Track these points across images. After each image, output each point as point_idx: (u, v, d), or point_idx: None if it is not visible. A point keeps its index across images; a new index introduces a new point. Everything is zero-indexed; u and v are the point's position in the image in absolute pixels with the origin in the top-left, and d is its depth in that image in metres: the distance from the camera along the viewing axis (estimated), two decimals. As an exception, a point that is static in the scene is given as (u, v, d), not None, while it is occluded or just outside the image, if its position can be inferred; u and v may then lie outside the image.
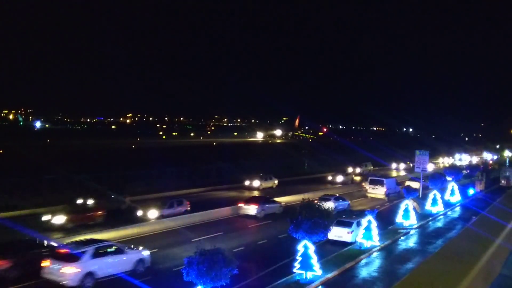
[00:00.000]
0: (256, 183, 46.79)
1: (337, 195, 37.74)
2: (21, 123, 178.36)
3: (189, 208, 32.18)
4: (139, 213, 30.32)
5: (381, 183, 44.25)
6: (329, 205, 34.52)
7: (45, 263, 18.07)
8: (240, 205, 33.17)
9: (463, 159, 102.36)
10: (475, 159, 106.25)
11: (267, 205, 33.26)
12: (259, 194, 43.16)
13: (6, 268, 18.24)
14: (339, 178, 54.63)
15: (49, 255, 18.52)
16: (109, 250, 19.32)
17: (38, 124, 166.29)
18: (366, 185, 45.83)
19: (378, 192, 43.77)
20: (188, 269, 13.27)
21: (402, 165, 77.79)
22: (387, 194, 43.82)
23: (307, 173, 62.49)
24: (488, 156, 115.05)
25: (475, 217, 31.78)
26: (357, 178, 60.11)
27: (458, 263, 17.85)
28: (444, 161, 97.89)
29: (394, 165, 77.39)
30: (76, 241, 20.57)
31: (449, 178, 44.72)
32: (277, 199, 35.75)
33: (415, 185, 39.65)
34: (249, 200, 33.90)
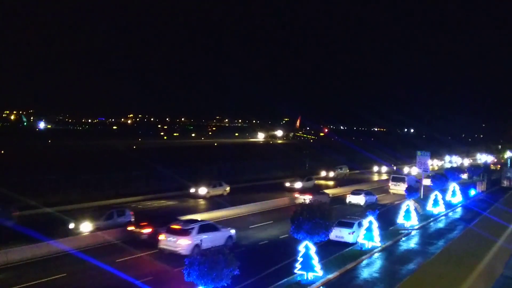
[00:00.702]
0: (203, 190, 41.33)
1: (367, 190, 44.51)
2: (25, 123, 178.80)
3: (133, 220, 27.82)
4: (71, 225, 25.90)
5: (402, 180, 48.13)
6: (360, 199, 40.04)
7: (161, 237, 22.95)
8: (296, 195, 39.91)
9: (453, 161, 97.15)
10: (467, 162, 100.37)
11: (318, 195, 37.07)
12: (206, 202, 39.07)
13: (151, 234, 24.06)
14: (298, 185, 47.87)
15: (164, 231, 23.14)
16: (209, 227, 24.10)
17: (41, 125, 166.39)
18: (389, 182, 50.83)
19: (400, 188, 46.04)
20: (189, 270, 13.27)
21: (384, 168, 73.81)
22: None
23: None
24: (483, 158, 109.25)
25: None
26: (328, 183, 56.45)
27: (460, 264, 17.85)
28: (433, 164, 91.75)
29: (375, 168, 73.36)
30: (184, 220, 25.35)
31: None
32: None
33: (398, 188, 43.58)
34: (303, 191, 42.31)
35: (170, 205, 37.97)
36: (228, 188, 43.86)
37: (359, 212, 34.58)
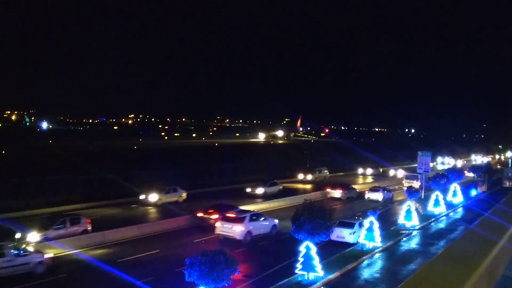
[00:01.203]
0: (153, 197, 36.98)
1: (384, 187, 46.65)
2: (28, 123, 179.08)
3: (89, 228, 26.12)
4: (17, 235, 22.63)
5: (416, 178, 50.29)
6: (378, 195, 42.58)
7: (218, 224, 26.25)
8: (328, 190, 45.15)
9: (446, 162, 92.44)
10: (460, 163, 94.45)
11: (347, 190, 44.89)
12: (157, 210, 35.42)
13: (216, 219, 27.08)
14: (259, 190, 42.96)
15: (220, 219, 26.59)
16: (258, 216, 27.66)
17: (44, 125, 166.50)
18: (403, 180, 53.51)
19: (414, 185, 45.46)
20: (190, 270, 13.23)
21: (369, 170, 68.53)
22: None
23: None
24: (478, 159, 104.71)
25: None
26: (305, 186, 52.74)
27: (461, 265, 17.77)
28: (449, 162, 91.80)
29: (360, 170, 68.48)
30: (237, 210, 28.18)
31: None
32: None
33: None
34: (335, 186, 46.11)
35: (109, 214, 33.40)
36: (184, 194, 39.49)
37: (379, 206, 37.76)
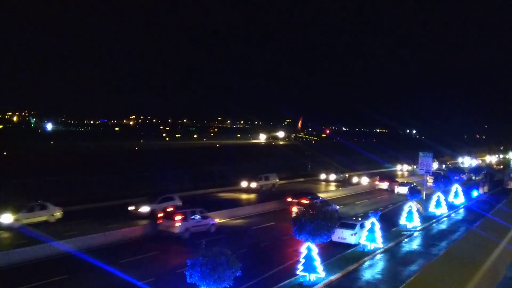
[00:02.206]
0: (7, 218, 28.11)
1: (411, 182, 48.10)
2: (32, 124, 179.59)
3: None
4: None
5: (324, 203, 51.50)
6: (404, 189, 42.49)
7: (294, 208, 28.81)
8: (376, 182, 52.84)
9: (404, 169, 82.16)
10: (441, 166, 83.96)
11: (393, 182, 50.60)
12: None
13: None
14: (144, 209, 32.07)
15: (293, 202, 34.44)
16: (326, 202, 33.37)
17: (49, 126, 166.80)
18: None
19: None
20: (191, 271, 13.22)
21: (332, 176, 59.35)
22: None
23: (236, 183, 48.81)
24: (466, 161, 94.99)
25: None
26: (249, 196, 44.42)
27: (463, 266, 17.80)
28: (403, 169, 79.81)
29: (323, 176, 59.93)
30: (311, 195, 36.47)
31: None
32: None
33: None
34: (382, 178, 53.23)
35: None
36: (58, 213, 30.61)
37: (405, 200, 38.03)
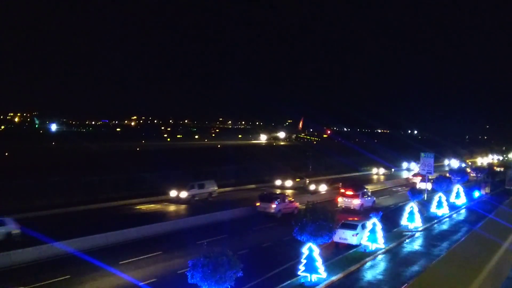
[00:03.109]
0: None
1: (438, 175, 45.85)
2: (37, 125, 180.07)
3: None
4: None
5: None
6: (429, 185, 44.60)
7: (339, 199, 38.99)
8: (411, 176, 58.27)
9: (412, 168, 77.36)
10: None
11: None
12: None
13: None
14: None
15: (340, 194, 39.29)
16: (366, 193, 40.02)
17: (54, 127, 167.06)
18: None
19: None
20: (192, 272, 13.21)
21: (289, 182, 51.79)
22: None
23: (238, 184, 48.50)
24: (453, 163, 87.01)
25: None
26: (178, 208, 36.96)
27: (466, 267, 17.77)
28: (379, 172, 71.78)
29: (278, 182, 52.26)
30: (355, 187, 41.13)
31: None
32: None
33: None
34: (416, 175, 55.93)
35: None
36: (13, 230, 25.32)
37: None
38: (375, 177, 68.89)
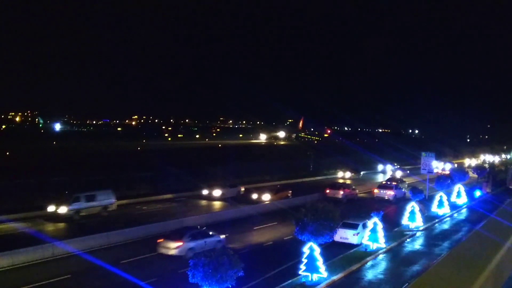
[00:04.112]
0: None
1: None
2: (41, 125, 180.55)
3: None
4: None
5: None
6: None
7: (376, 190, 44.68)
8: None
9: (387, 170, 72.32)
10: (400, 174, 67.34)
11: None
12: None
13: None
14: (217, 193, 41.76)
15: (377, 187, 45.39)
16: (398, 184, 46.33)
17: (57, 127, 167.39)
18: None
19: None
20: (193, 271, 13.21)
21: (217, 192, 41.45)
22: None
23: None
24: (440, 166, 74.91)
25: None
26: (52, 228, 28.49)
27: (468, 267, 17.74)
28: (345, 175, 64.69)
29: (205, 192, 42.06)
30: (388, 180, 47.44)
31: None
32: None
33: None
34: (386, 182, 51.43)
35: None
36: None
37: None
38: (341, 181, 56.95)
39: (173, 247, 22.24)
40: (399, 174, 65.25)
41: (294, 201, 38.79)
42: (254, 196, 40.47)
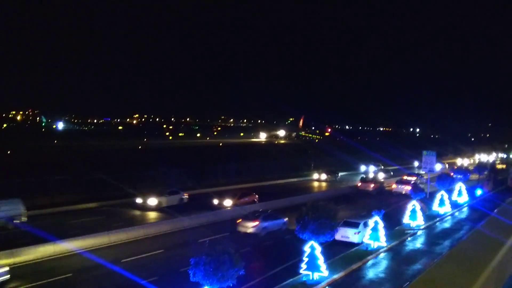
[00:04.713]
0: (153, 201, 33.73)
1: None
2: (44, 123, 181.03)
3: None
4: None
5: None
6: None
7: (394, 185, 48.38)
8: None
9: (370, 171, 64.87)
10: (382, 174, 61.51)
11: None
12: None
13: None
14: (152, 201, 34.27)
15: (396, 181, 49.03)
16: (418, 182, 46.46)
17: (60, 125, 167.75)
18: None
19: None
20: (194, 270, 13.20)
21: (152, 200, 34.35)
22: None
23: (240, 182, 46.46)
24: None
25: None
26: None
27: (469, 266, 17.72)
28: (321, 177, 57.82)
29: (139, 200, 34.93)
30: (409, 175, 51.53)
31: None
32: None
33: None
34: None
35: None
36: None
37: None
38: (315, 184, 54.19)
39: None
40: (381, 176, 59.46)
41: (257, 207, 33.83)
42: (215, 201, 35.61)
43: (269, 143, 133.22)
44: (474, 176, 58.11)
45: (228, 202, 35.36)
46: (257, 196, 37.96)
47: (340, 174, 61.23)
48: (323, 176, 57.57)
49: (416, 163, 79.14)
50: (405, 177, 51.52)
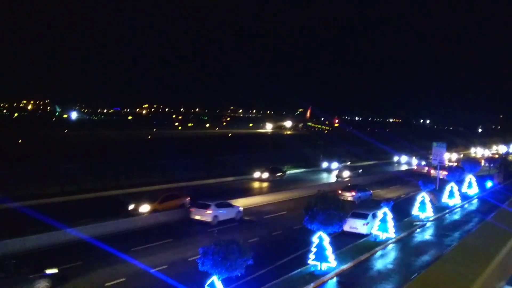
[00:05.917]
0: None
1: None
2: (57, 113, 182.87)
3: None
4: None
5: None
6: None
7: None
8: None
9: (333, 168, 58.29)
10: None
11: None
12: None
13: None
14: (145, 208, 28.19)
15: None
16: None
17: (74, 115, 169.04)
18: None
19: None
20: (203, 259, 13.36)
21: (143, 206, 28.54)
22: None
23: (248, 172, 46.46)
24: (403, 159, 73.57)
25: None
26: None
27: (477, 257, 17.65)
28: (262, 176, 47.70)
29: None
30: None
31: None
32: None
33: None
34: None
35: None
36: None
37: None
38: (256, 184, 45.29)
39: None
40: (346, 174, 51.38)
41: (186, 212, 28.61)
42: (130, 207, 28.71)
43: (274, 133, 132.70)
44: (485, 168, 57.59)
45: (145, 208, 28.46)
46: (188, 198, 30.86)
47: (287, 172, 51.91)
48: (265, 175, 47.55)
49: (395, 158, 76.06)
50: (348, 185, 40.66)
